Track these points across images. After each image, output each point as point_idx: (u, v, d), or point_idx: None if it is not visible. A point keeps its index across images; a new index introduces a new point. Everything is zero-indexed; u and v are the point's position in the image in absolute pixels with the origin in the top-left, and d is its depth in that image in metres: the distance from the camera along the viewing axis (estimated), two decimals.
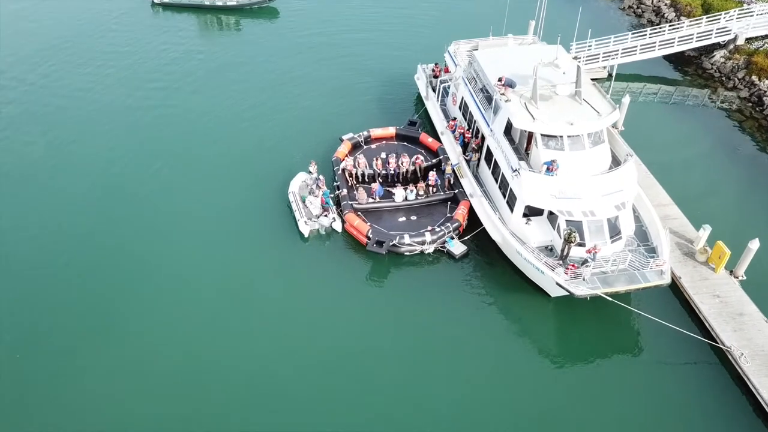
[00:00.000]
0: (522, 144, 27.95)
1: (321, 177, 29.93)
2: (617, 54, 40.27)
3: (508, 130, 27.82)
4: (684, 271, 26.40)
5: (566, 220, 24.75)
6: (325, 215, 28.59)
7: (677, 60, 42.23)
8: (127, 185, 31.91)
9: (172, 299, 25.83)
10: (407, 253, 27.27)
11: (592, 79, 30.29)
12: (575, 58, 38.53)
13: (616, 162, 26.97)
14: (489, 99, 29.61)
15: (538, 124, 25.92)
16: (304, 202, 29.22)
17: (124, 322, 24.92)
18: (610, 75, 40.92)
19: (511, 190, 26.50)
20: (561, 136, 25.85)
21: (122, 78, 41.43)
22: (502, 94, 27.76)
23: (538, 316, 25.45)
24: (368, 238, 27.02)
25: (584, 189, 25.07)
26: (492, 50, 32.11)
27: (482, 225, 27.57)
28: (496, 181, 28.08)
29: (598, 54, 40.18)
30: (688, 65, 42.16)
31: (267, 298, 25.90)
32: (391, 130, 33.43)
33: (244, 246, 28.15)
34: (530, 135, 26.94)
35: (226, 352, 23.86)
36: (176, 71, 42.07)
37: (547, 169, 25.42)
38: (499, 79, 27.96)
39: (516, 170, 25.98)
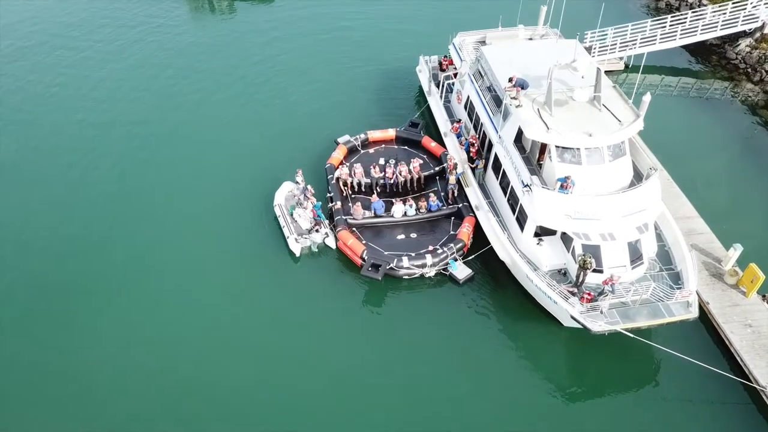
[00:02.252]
0: (534, 153, 25.34)
1: (309, 187, 27.29)
2: (635, 44, 37.32)
3: (519, 137, 25.18)
4: (712, 295, 24.02)
5: (582, 244, 22.29)
6: (317, 230, 26.11)
7: (698, 49, 39.19)
8: (88, 192, 29.41)
9: (151, 325, 23.56)
10: (406, 277, 24.85)
11: (608, 72, 27.61)
12: (589, 48, 35.99)
13: (636, 174, 24.39)
14: (497, 100, 26.92)
15: (552, 135, 23.27)
16: (291, 215, 26.68)
17: (95, 363, 22.52)
18: (627, 66, 38.11)
19: (521, 206, 23.98)
20: (578, 149, 23.23)
21: (97, 65, 38.71)
22: (513, 97, 25.04)
23: (549, 347, 23.15)
24: (363, 260, 24.59)
25: (603, 208, 22.52)
26: (501, 45, 29.21)
27: (489, 243, 25.08)
28: (505, 194, 25.52)
29: (615, 43, 37.24)
30: (711, 55, 39.15)
31: (253, 325, 23.64)
32: (391, 133, 30.69)
33: (227, 268, 25.58)
34: (543, 145, 24.32)
35: (208, 383, 21.71)
36: (157, 62, 39.03)
37: (561, 186, 22.87)
38: (510, 80, 25.19)
39: (527, 186, 23.42)
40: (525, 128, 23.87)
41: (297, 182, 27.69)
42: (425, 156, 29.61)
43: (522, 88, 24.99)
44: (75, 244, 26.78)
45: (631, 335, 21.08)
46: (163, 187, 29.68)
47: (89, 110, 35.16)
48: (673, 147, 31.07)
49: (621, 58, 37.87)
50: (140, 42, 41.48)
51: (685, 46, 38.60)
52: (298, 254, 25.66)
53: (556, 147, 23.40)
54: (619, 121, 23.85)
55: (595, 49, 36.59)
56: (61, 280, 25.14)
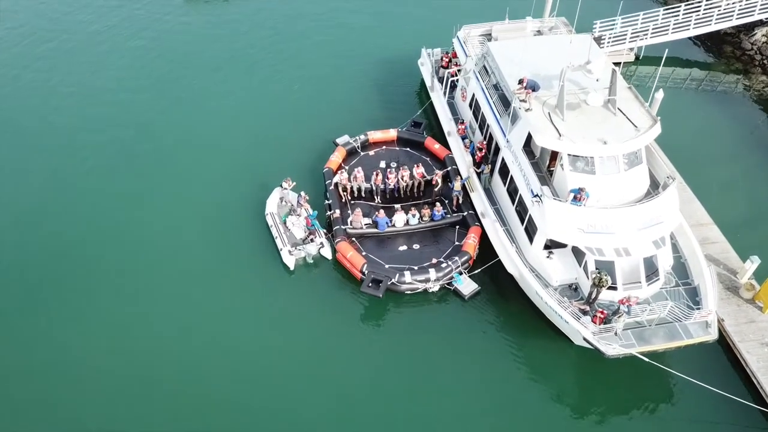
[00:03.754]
0: (544, 159, 24.02)
1: (303, 193, 25.78)
2: (647, 34, 35.66)
3: (528, 141, 23.80)
4: (727, 310, 22.95)
5: (595, 260, 21.09)
6: (311, 239, 24.76)
7: (712, 39, 37.51)
8: (70, 196, 27.84)
9: (136, 347, 22.32)
10: (408, 292, 23.63)
11: (616, 63, 26.11)
12: (599, 38, 34.34)
13: (651, 182, 23.11)
14: (505, 100, 25.49)
15: (565, 143, 21.91)
16: (285, 222, 25.28)
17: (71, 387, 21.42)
18: (637, 58, 36.49)
19: (530, 217, 22.73)
20: (591, 158, 21.89)
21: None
22: (522, 100, 23.60)
23: (559, 366, 22.17)
24: (363, 275, 23.34)
25: (617, 222, 21.30)
26: (509, 42, 27.59)
27: (495, 255, 23.86)
28: (513, 202, 24.26)
29: (626, 33, 35.56)
30: (725, 46, 37.46)
31: (244, 345, 22.37)
32: (392, 133, 29.13)
33: (214, 284, 24.12)
34: (555, 151, 22.97)
35: (197, 407, 20.67)
36: (142, 53, 36.76)
37: (574, 198, 21.60)
38: (520, 81, 23.71)
39: (537, 196, 22.13)
40: (535, 134, 22.51)
41: (285, 188, 26.07)
42: (428, 158, 28.12)
43: (533, 90, 23.54)
44: (55, 255, 25.24)
45: (647, 359, 19.95)
46: (145, 193, 27.77)
47: (69, 107, 33.06)
48: (685, 146, 29.51)
49: (631, 49, 36.23)
50: (128, 34, 38.76)
51: (698, 36, 36.96)
52: (292, 267, 24.33)
53: (569, 155, 22.07)
54: (636, 126, 22.51)
55: (604, 39, 34.98)
56: (41, 298, 23.88)
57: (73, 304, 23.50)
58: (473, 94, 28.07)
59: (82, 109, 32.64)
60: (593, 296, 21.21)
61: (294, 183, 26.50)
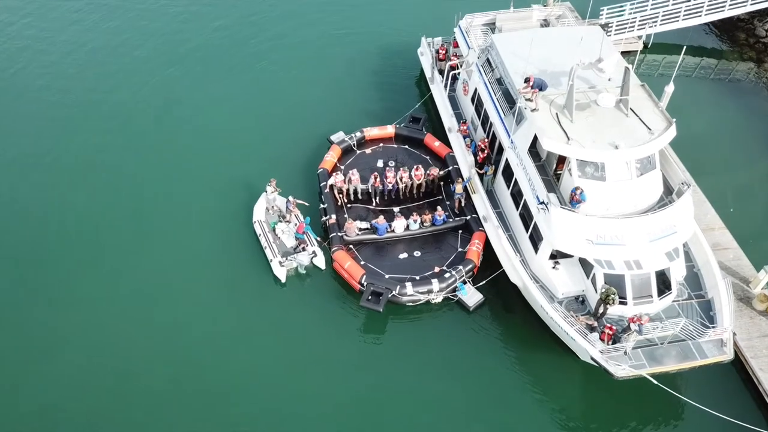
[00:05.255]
0: (550, 162, 22.70)
1: (291, 198, 24.27)
2: (656, 20, 33.99)
3: (534, 142, 22.44)
4: (739, 323, 21.83)
5: (604, 273, 19.92)
6: (303, 248, 23.44)
7: (724, 26, 35.83)
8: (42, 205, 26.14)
9: (119, 364, 21.14)
10: (410, 304, 22.43)
11: (624, 53, 24.63)
12: (605, 25, 32.71)
13: (665, 187, 21.84)
14: (509, 96, 24.04)
15: (573, 148, 20.56)
16: (274, 230, 23.87)
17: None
18: (645, 46, 34.82)
19: (535, 224, 21.49)
20: (602, 163, 20.56)
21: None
22: (528, 99, 22.15)
23: (565, 383, 21.16)
24: (362, 286, 22.10)
25: (628, 232, 20.08)
26: (515, 34, 25.97)
27: (500, 263, 22.67)
28: (516, 206, 22.99)
29: (634, 20, 33.89)
30: (738, 33, 35.79)
31: (234, 364, 21.17)
32: (390, 130, 27.59)
33: (202, 300, 22.62)
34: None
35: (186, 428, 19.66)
36: (121, 41, 34.67)
37: (572, 199, 20.50)
38: (526, 80, 22.23)
39: (543, 203, 20.85)
40: (542, 138, 21.14)
41: (268, 192, 24.46)
42: (428, 157, 26.70)
43: (540, 90, 22.08)
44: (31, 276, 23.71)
45: (655, 382, 18.86)
46: (124, 199, 25.95)
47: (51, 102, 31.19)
48: (694, 142, 27.90)
49: (639, 37, 34.59)
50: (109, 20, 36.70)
51: (710, 23, 35.30)
52: (283, 280, 22.95)
53: (578, 160, 20.73)
54: (649, 129, 21.14)
55: (611, 27, 33.36)
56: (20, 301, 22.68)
57: (50, 325, 22.20)
58: (475, 89, 26.56)
59: (56, 111, 30.63)
60: (600, 312, 20.09)
61: (279, 189, 24.59)
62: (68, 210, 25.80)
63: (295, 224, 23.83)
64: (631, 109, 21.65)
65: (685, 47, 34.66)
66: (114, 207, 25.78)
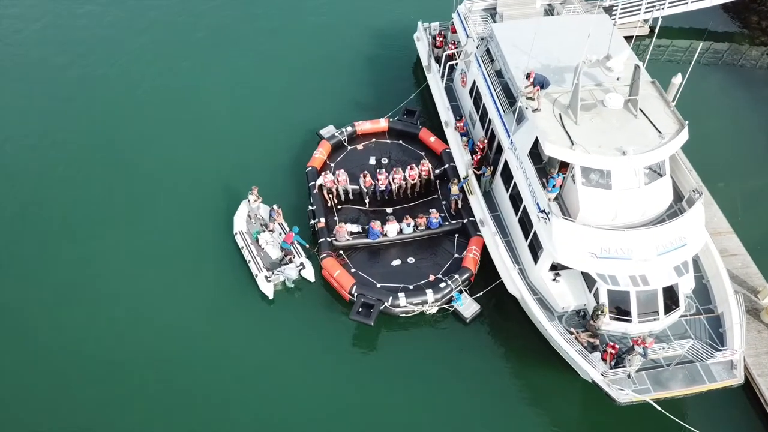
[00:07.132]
0: (553, 164, 21.18)
1: (275, 207, 22.77)
2: (663, 4, 32.15)
3: (535, 144, 20.95)
4: (746, 337, 20.59)
5: (608, 290, 18.70)
6: (290, 260, 22.04)
7: (735, 8, 33.98)
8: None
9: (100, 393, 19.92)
10: (403, 315, 21.22)
11: (628, 38, 23.00)
12: (610, 8, 30.85)
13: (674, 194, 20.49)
14: (509, 91, 22.50)
15: (578, 154, 19.08)
16: (257, 240, 22.43)
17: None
18: (652, 30, 33.03)
19: (535, 233, 20.17)
20: (608, 170, 19.14)
21: None
22: (529, 98, 20.59)
23: (563, 400, 20.21)
24: (352, 297, 20.84)
25: (635, 244, 18.78)
26: (517, 23, 24.18)
27: (497, 273, 21.42)
28: (515, 211, 21.64)
29: (640, 4, 32.02)
30: (750, 15, 33.94)
31: (223, 385, 20.02)
32: (383, 124, 25.99)
33: (185, 320, 21.24)
34: None
35: None
36: (104, 31, 32.67)
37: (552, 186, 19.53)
38: (527, 76, 20.62)
39: (544, 212, 19.49)
40: (544, 142, 19.66)
41: (248, 200, 22.98)
42: (423, 153, 25.18)
43: (542, 87, 20.49)
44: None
45: (659, 408, 17.78)
46: (95, 208, 24.29)
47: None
48: (701, 136, 25.79)
49: (646, 21, 32.80)
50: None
51: (720, 4, 33.44)
52: (271, 296, 21.57)
53: (582, 167, 19.31)
54: (660, 132, 19.66)
55: (616, 10, 31.51)
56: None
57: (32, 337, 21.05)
58: (474, 81, 24.92)
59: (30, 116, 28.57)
60: (594, 326, 18.96)
61: (261, 197, 23.09)
62: (43, 220, 24.25)
63: (280, 234, 22.37)
64: (640, 109, 20.14)
65: (693, 30, 33.26)
66: (74, 222, 23.99)
